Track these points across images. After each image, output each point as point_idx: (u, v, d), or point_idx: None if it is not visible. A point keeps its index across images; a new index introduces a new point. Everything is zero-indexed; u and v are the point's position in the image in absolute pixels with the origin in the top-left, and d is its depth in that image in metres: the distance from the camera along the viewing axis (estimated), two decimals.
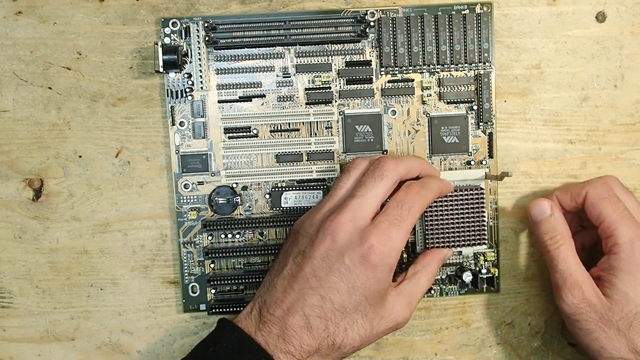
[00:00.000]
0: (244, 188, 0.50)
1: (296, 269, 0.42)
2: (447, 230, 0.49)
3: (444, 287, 0.51)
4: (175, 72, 0.48)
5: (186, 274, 0.50)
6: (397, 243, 0.42)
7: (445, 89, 0.49)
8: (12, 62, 0.49)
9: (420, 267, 0.46)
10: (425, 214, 0.49)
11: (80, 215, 0.50)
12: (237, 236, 0.50)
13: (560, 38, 0.50)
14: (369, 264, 0.41)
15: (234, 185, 0.50)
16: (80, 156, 0.50)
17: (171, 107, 0.49)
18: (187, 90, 0.49)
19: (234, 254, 0.49)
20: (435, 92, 0.49)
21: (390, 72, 0.49)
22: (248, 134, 0.49)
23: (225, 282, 0.49)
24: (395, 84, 0.49)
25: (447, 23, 0.48)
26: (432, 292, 0.51)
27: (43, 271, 0.50)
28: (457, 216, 0.48)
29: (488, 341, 0.52)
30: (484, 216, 0.49)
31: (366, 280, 0.41)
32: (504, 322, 0.52)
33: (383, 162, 0.44)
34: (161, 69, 0.46)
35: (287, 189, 0.49)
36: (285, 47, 0.49)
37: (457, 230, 0.48)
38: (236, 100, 0.49)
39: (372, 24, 0.49)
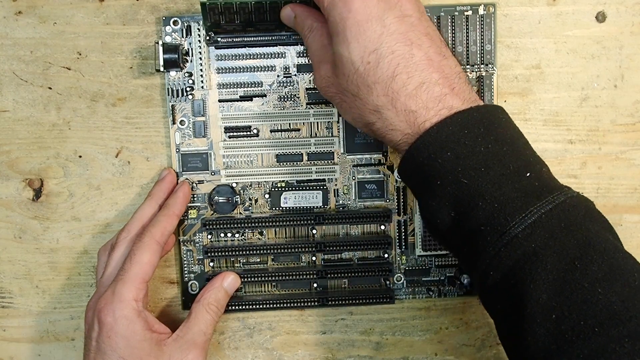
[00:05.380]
0: (244, 187, 0.50)
1: None
2: None
3: (443, 288, 0.51)
4: (176, 71, 0.48)
5: (186, 272, 0.50)
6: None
7: None
8: (12, 62, 0.49)
9: (195, 302, 0.47)
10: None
11: (80, 215, 0.50)
12: (237, 235, 0.50)
13: (560, 38, 0.50)
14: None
15: (234, 185, 0.50)
16: (80, 156, 0.50)
17: (172, 105, 0.49)
18: (188, 89, 0.49)
19: (234, 253, 0.49)
20: None
21: None
22: (248, 133, 0.49)
23: None
24: None
25: (449, 24, 0.48)
26: (431, 292, 0.51)
27: (43, 271, 0.50)
28: None
29: (488, 341, 0.52)
30: None
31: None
32: None
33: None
34: (162, 68, 0.46)
35: (286, 188, 0.49)
36: (287, 47, 0.49)
37: None
38: (237, 100, 0.49)
39: None
